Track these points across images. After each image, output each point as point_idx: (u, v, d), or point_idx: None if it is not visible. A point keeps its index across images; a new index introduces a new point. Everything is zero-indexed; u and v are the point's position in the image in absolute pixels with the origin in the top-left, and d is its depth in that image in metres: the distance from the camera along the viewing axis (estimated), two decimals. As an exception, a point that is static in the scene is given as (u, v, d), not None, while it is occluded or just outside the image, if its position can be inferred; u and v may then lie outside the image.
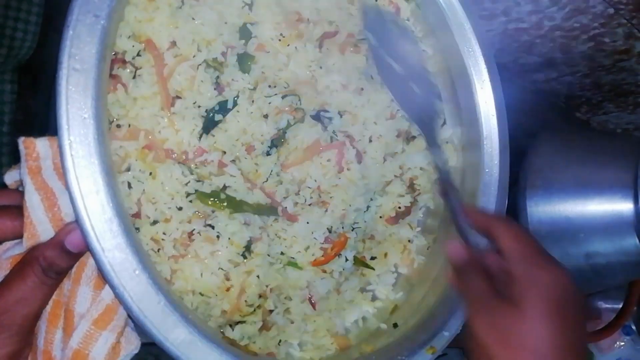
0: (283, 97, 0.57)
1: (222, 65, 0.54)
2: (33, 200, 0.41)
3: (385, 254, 0.66)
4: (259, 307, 0.56)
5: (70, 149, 0.41)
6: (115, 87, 0.50)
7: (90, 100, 0.42)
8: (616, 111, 1.16)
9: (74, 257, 0.42)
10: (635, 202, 0.70)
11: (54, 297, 0.43)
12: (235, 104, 0.54)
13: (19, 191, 0.45)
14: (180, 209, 0.51)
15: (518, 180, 0.77)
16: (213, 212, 0.53)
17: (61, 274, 0.42)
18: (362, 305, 0.64)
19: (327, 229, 0.59)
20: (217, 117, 0.54)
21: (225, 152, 0.54)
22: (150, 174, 0.50)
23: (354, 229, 0.62)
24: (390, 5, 0.67)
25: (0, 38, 0.61)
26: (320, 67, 0.60)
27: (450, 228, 0.52)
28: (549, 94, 1.12)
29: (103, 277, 0.42)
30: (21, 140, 0.42)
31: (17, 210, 0.42)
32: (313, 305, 0.59)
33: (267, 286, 0.56)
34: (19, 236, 0.42)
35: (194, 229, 0.52)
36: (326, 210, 0.60)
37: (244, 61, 0.55)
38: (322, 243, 0.59)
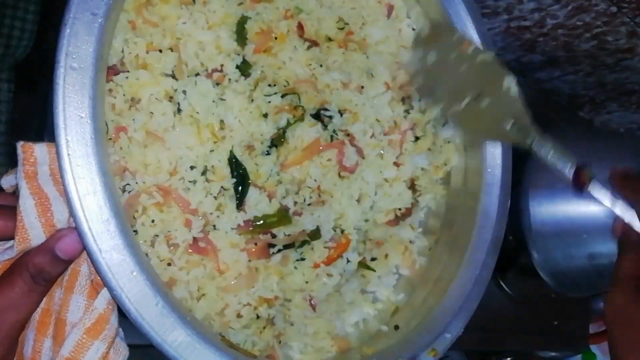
0: (283, 96, 0.56)
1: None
2: (27, 205, 0.41)
3: (386, 255, 0.65)
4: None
5: (67, 148, 0.40)
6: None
7: (87, 100, 0.41)
8: (619, 110, 1.15)
9: (64, 264, 0.41)
10: (639, 202, 0.70)
11: (43, 305, 0.42)
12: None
13: (15, 195, 0.44)
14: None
15: (521, 180, 0.77)
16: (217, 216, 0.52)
17: (50, 281, 0.41)
18: (363, 307, 0.63)
19: (332, 228, 0.59)
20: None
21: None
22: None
23: (354, 229, 0.61)
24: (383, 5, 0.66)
25: (-3, 36, 0.61)
26: (321, 66, 0.60)
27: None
28: (551, 93, 1.11)
29: (100, 278, 0.41)
30: (19, 145, 0.42)
31: (11, 211, 0.42)
32: (313, 307, 0.59)
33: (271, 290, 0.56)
34: (10, 237, 0.42)
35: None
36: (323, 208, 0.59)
37: (244, 69, 0.55)
38: (327, 242, 0.59)
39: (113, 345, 0.44)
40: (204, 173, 0.52)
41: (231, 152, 0.53)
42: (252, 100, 0.55)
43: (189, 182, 0.51)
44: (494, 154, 0.63)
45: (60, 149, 0.40)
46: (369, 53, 0.64)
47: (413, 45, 0.64)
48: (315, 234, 0.58)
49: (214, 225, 0.53)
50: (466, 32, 0.64)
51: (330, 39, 0.62)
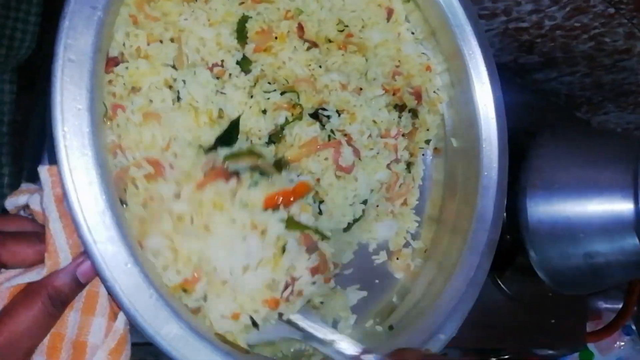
0: (282, 94, 0.57)
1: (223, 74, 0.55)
2: (56, 228, 0.41)
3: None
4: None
5: (64, 139, 0.40)
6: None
7: (84, 92, 0.41)
8: (616, 111, 1.16)
9: (82, 287, 0.42)
10: (636, 202, 0.70)
11: (52, 329, 0.42)
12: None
13: (29, 218, 0.44)
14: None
15: (518, 180, 0.77)
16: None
17: (66, 304, 0.41)
18: None
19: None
20: None
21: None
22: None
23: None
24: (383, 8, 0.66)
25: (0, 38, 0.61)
26: (320, 66, 0.60)
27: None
28: (549, 94, 1.12)
29: (94, 269, 0.41)
30: (45, 169, 0.42)
31: (36, 236, 0.42)
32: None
33: None
34: (37, 263, 0.42)
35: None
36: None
37: (244, 65, 0.56)
38: None
39: None
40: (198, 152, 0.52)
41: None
42: (252, 96, 0.55)
43: (182, 157, 0.51)
44: (491, 157, 0.63)
45: (57, 141, 0.40)
46: (368, 55, 0.64)
47: None
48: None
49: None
50: (465, 35, 0.64)
51: (330, 41, 0.62)
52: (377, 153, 0.63)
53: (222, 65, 0.54)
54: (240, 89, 0.55)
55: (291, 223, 0.51)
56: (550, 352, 1.06)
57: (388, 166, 0.65)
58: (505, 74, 1.03)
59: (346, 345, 0.53)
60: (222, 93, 0.54)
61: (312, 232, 0.52)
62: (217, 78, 0.54)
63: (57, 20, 0.43)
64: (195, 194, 0.48)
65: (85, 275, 0.41)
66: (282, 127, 0.57)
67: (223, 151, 0.51)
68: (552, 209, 0.75)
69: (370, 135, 0.63)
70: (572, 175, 0.75)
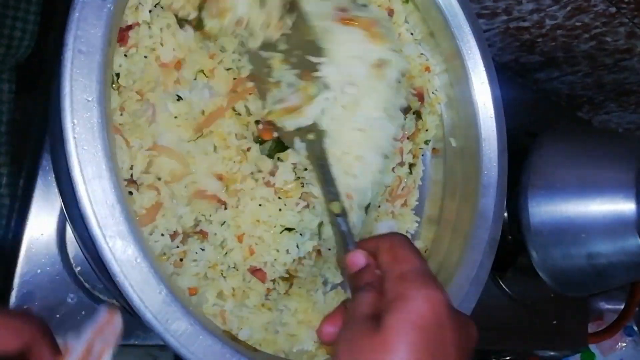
0: None
1: None
2: None
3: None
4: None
5: (73, 131, 0.40)
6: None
7: (94, 84, 0.41)
8: (618, 111, 1.16)
9: None
10: (637, 202, 0.70)
11: None
12: None
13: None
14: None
15: (519, 180, 0.77)
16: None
17: None
18: None
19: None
20: None
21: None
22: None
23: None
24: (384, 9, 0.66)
25: (-1, 37, 0.61)
26: None
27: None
28: (550, 94, 1.12)
29: (103, 265, 0.41)
30: (107, 310, 0.42)
31: None
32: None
33: None
34: None
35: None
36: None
37: None
38: None
39: None
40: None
41: None
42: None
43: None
44: (490, 157, 0.63)
45: (66, 132, 0.39)
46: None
47: None
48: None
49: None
50: (464, 35, 0.64)
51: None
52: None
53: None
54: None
55: None
56: (552, 353, 1.06)
57: (392, 169, 0.65)
58: (506, 74, 1.03)
59: None
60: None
61: None
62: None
63: (58, 19, 0.42)
64: None
65: None
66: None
67: None
68: (553, 209, 0.75)
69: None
70: (573, 175, 0.75)
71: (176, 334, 0.42)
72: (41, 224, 0.56)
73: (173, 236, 0.50)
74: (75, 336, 0.42)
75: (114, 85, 0.49)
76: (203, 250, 0.52)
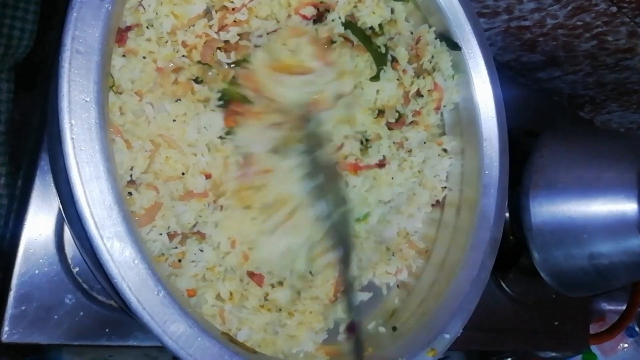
0: None
1: None
2: None
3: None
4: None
5: (71, 132, 0.40)
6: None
7: (92, 84, 0.41)
8: (619, 110, 1.15)
9: None
10: (639, 202, 0.70)
11: None
12: None
13: None
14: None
15: (521, 180, 0.77)
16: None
17: None
18: None
19: None
20: None
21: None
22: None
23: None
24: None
25: (-3, 37, 0.61)
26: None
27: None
28: (552, 93, 1.11)
29: (101, 266, 0.41)
30: None
31: None
32: None
33: None
34: None
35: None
36: None
37: None
38: None
39: None
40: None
41: None
42: None
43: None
44: (492, 156, 0.63)
45: (63, 133, 0.39)
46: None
47: None
48: None
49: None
50: (465, 34, 0.64)
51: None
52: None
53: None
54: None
55: None
56: (554, 354, 1.06)
57: None
58: (508, 73, 1.02)
59: None
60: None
61: None
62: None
63: (56, 20, 0.42)
64: None
65: None
66: None
67: None
68: (555, 209, 0.74)
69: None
70: (575, 175, 0.75)
71: (174, 335, 0.42)
72: (39, 225, 0.56)
73: (172, 236, 0.50)
74: None
75: (113, 88, 0.48)
76: (202, 251, 0.52)
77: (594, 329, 1.14)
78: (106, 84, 0.44)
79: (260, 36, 0.55)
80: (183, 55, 0.52)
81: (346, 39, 0.60)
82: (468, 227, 0.62)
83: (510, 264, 0.85)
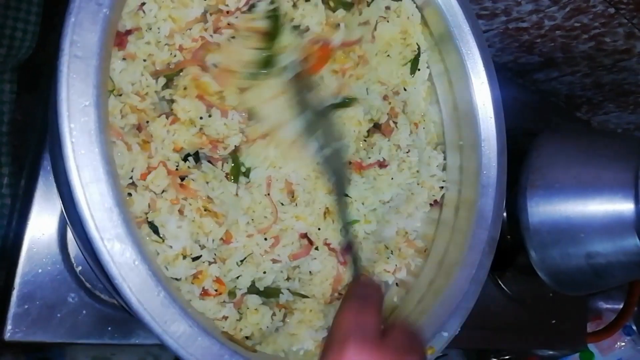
0: None
1: None
2: None
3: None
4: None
5: (71, 136, 0.40)
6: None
7: (91, 88, 0.41)
8: (617, 111, 1.16)
9: None
10: (636, 202, 0.70)
11: None
12: None
13: None
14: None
15: (518, 180, 0.77)
16: None
17: None
18: None
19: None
20: None
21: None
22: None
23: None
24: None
25: (0, 38, 0.61)
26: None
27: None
28: (549, 94, 1.12)
29: (102, 267, 0.41)
30: None
31: None
32: None
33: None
34: None
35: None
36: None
37: None
38: None
39: None
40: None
41: None
42: None
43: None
44: (490, 157, 0.63)
45: (63, 137, 0.40)
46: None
47: None
48: None
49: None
50: (463, 35, 0.65)
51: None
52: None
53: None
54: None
55: None
56: (551, 352, 1.06)
57: None
58: (506, 74, 1.03)
59: None
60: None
61: None
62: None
63: (58, 20, 0.42)
64: None
65: None
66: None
67: None
68: (552, 209, 0.75)
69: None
70: (572, 175, 0.75)
71: (175, 335, 0.43)
72: (42, 224, 0.57)
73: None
74: None
75: (114, 92, 0.49)
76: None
77: (591, 327, 1.14)
78: (105, 88, 0.45)
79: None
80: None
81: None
82: (466, 226, 0.62)
83: (508, 263, 0.85)
